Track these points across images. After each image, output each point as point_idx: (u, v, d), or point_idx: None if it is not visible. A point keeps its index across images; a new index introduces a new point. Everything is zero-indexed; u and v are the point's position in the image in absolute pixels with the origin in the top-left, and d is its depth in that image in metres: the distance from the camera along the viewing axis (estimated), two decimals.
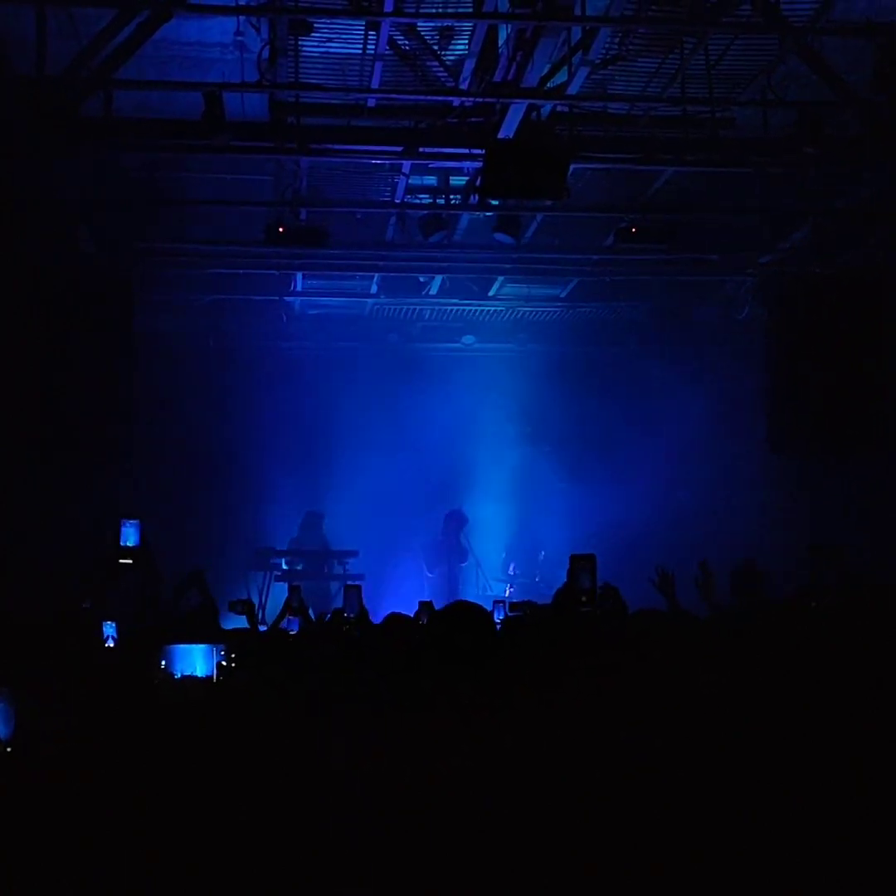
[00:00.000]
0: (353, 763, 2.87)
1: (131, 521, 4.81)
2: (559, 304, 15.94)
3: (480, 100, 9.81)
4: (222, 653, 6.13)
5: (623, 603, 5.52)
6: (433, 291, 15.05)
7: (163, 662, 6.03)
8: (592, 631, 4.11)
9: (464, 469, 16.03)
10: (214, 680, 5.95)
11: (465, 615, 3.35)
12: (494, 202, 11.73)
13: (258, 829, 2.76)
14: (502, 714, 3.00)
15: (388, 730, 3.01)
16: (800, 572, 8.52)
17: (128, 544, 4.72)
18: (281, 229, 11.78)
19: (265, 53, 9.59)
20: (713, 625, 4.83)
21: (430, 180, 12.27)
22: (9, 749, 2.87)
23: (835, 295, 12.83)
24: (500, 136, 9.87)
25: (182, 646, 6.24)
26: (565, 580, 4.35)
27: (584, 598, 4.24)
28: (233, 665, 5.96)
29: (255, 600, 12.69)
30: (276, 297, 15.04)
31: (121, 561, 4.68)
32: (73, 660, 4.10)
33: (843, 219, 12.76)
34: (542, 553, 16.48)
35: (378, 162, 11.22)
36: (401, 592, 13.72)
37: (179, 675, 6.09)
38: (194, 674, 6.12)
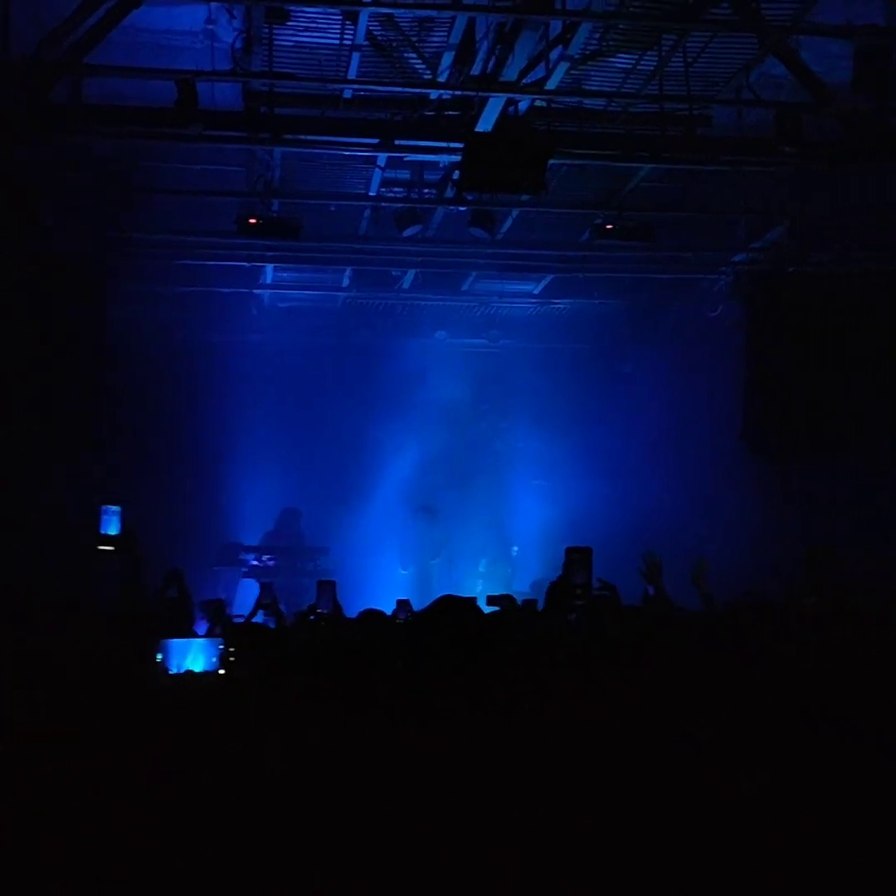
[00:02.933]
0: (349, 760, 2.80)
1: (112, 508, 4.65)
2: (533, 299, 15.86)
3: (459, 93, 9.74)
4: (221, 648, 6.02)
5: (619, 603, 5.45)
6: (406, 286, 14.94)
7: (159, 656, 5.90)
8: (586, 629, 4.02)
9: (437, 465, 15.95)
10: (218, 674, 5.81)
11: (454, 610, 3.27)
12: (470, 196, 11.64)
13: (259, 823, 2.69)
14: (493, 715, 2.93)
15: (385, 728, 2.93)
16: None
17: (108, 532, 4.57)
18: (253, 220, 11.63)
19: (239, 42, 9.48)
20: (705, 620, 4.77)
21: (404, 174, 12.16)
22: None
23: (809, 294, 12.83)
24: (477, 129, 9.77)
25: (179, 640, 6.12)
26: (560, 574, 4.23)
27: (578, 592, 4.13)
28: (232, 660, 5.82)
29: (222, 596, 12.55)
30: (246, 290, 14.88)
31: (100, 548, 4.52)
32: (57, 650, 3.99)
33: (819, 219, 12.75)
34: (515, 549, 16.46)
35: (353, 154, 11.07)
36: (374, 589, 13.62)
37: (176, 671, 5.97)
38: (192, 669, 6.01)
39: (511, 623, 5.65)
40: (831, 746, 3.01)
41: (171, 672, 5.98)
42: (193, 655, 6.19)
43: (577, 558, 4.31)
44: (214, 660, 6.07)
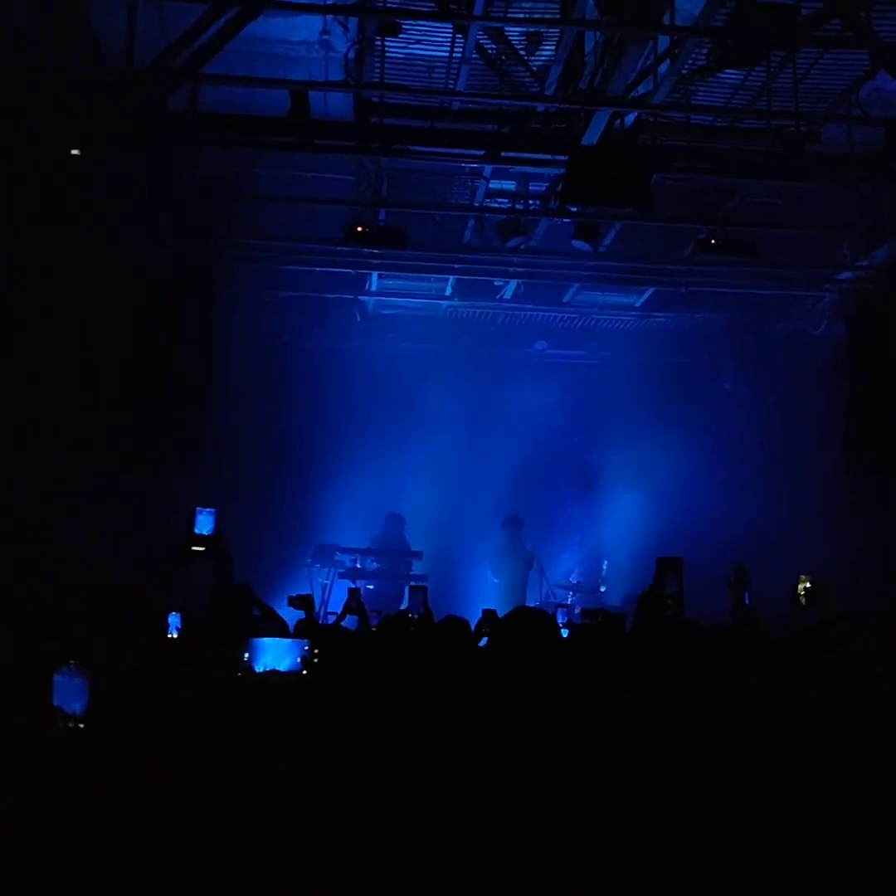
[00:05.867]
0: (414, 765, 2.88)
1: (207, 510, 4.84)
2: (634, 312, 15.87)
3: (565, 106, 9.83)
4: (306, 648, 6.15)
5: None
6: (507, 296, 15.06)
7: (245, 655, 6.07)
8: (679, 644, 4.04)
9: (531, 474, 16.00)
10: (302, 674, 5.97)
11: (528, 622, 3.34)
12: (574, 208, 11.71)
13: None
14: (567, 723, 3.00)
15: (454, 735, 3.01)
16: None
17: (202, 532, 4.76)
18: (360, 229, 11.84)
19: (351, 53, 9.69)
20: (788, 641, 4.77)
21: (509, 185, 12.28)
22: (82, 725, 2.93)
23: None
24: (583, 143, 9.85)
25: (266, 639, 6.29)
26: (651, 583, 4.27)
27: (670, 602, 4.17)
28: (316, 661, 5.98)
29: (317, 597, 12.75)
30: (351, 296, 15.12)
31: (193, 548, 4.71)
32: (144, 643, 4.16)
33: None
34: (605, 563, 16.41)
35: (459, 165, 11.24)
36: (466, 597, 13.72)
37: (262, 670, 6.13)
38: (277, 668, 6.16)
39: (599, 637, 5.70)
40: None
41: (256, 671, 6.16)
42: (279, 655, 6.35)
43: (668, 568, 4.33)
44: (299, 660, 6.21)
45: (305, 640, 6.35)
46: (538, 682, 3.11)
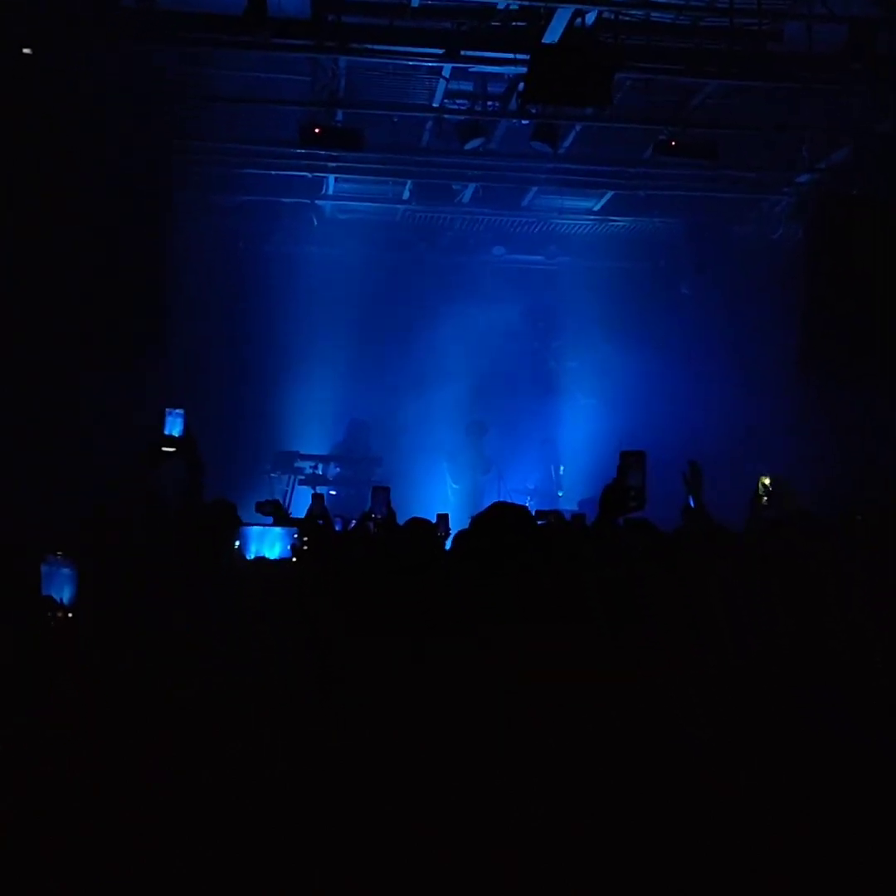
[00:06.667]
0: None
1: (176, 411, 4.81)
2: (592, 216, 15.79)
3: (526, 3, 9.67)
4: (295, 536, 6.20)
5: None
6: (466, 200, 14.95)
7: (236, 543, 6.11)
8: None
9: (490, 380, 16.03)
10: (291, 562, 6.03)
11: (507, 516, 3.34)
12: (534, 110, 11.59)
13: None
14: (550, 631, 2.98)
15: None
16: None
17: (172, 433, 4.74)
18: (316, 130, 11.67)
19: None
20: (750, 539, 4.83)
21: (467, 86, 12.12)
22: (71, 615, 2.95)
23: (871, 216, 12.68)
24: (544, 41, 9.72)
25: (256, 527, 6.34)
26: (614, 477, 4.28)
27: (632, 494, 4.20)
28: (306, 548, 6.03)
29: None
30: (308, 200, 14.95)
31: (164, 449, 4.70)
32: (126, 541, 4.19)
33: (887, 140, 12.58)
34: (562, 468, 16.56)
35: (418, 64, 11.05)
36: (426, 502, 13.79)
37: (252, 556, 6.19)
38: (266, 555, 6.22)
39: (558, 536, 5.75)
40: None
41: (247, 557, 6.20)
42: (270, 542, 6.41)
43: (631, 461, 4.35)
44: (288, 547, 6.27)
45: (294, 529, 6.40)
46: (504, 585, 3.10)
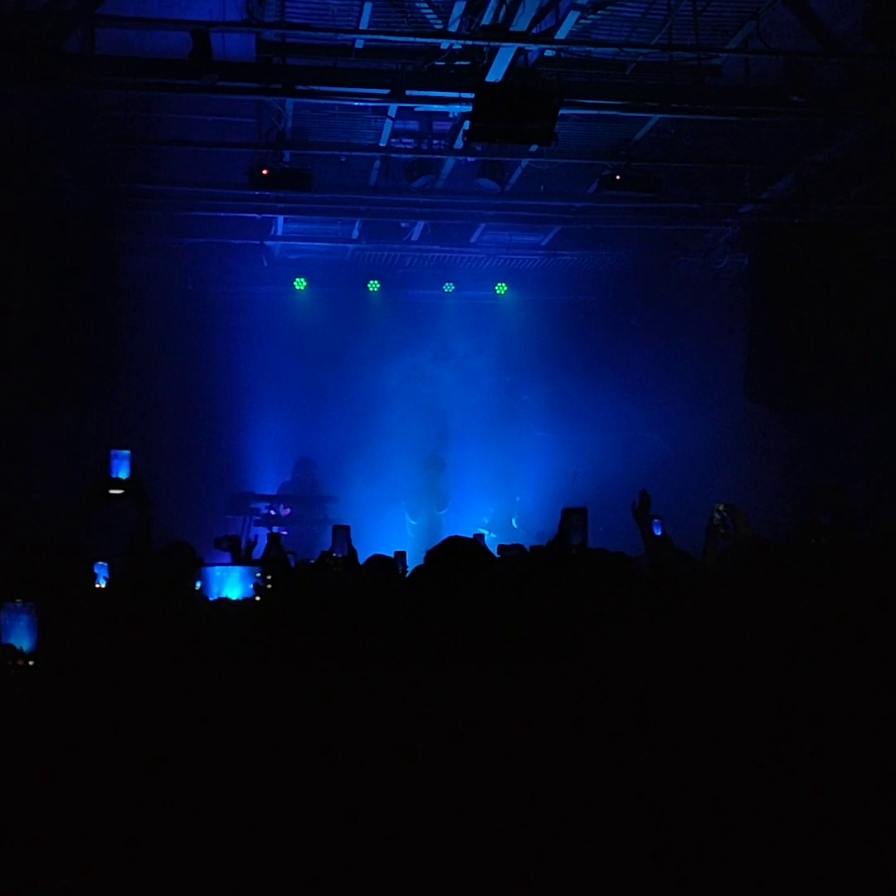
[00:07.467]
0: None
1: (122, 452, 4.73)
2: (540, 251, 15.94)
3: (469, 43, 9.78)
4: (258, 576, 6.13)
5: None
6: (415, 237, 15.03)
7: (197, 584, 6.03)
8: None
9: (445, 416, 16.09)
10: (254, 601, 5.96)
11: (460, 550, 3.36)
12: (479, 147, 11.71)
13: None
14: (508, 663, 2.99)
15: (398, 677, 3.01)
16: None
17: (119, 476, 4.67)
18: (264, 172, 11.70)
19: None
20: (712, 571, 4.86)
21: (413, 125, 12.23)
22: (31, 663, 2.93)
23: (815, 245, 12.92)
24: (487, 79, 9.83)
25: (218, 568, 6.25)
26: (556, 533, 4.32)
27: (574, 552, 4.25)
28: (270, 587, 5.98)
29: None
30: (257, 242, 14.98)
31: (111, 491, 4.63)
32: (88, 582, 4.14)
33: (826, 170, 12.83)
34: (518, 498, 16.62)
35: (364, 104, 11.14)
36: (384, 539, 13.78)
37: (214, 598, 6.11)
38: (228, 596, 6.14)
39: (528, 566, 5.74)
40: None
41: (209, 599, 6.13)
42: (231, 583, 6.34)
43: (574, 520, 4.38)
44: (251, 587, 6.20)
45: (256, 568, 6.33)
46: (470, 612, 3.12)
